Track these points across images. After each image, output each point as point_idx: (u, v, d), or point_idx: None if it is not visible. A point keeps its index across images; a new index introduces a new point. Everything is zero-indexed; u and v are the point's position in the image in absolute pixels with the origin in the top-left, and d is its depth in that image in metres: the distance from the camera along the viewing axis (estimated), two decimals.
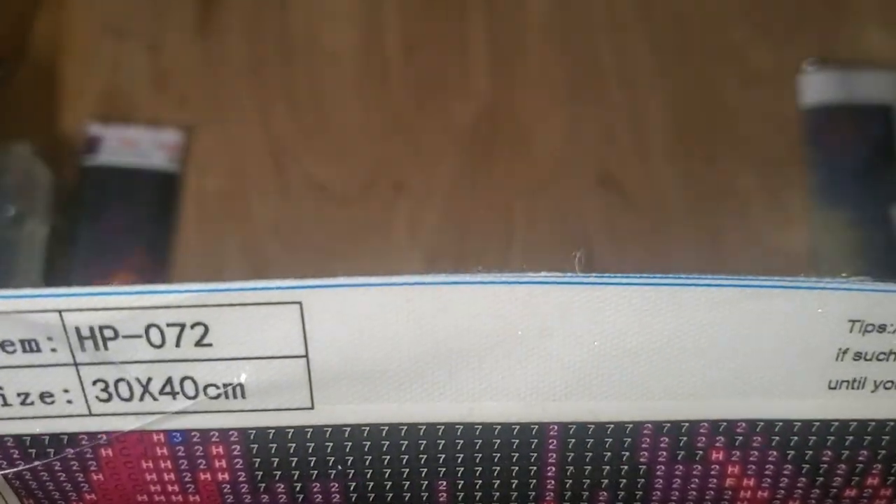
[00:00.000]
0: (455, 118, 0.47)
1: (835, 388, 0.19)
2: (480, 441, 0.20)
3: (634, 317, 0.18)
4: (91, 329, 0.18)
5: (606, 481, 0.20)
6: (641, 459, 0.20)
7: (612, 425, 0.19)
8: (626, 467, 0.20)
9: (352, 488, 0.20)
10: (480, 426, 0.19)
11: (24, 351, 0.18)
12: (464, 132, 0.47)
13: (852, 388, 0.19)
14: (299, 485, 0.20)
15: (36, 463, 0.20)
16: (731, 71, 0.47)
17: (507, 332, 0.18)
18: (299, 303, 0.18)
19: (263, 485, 0.20)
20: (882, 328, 0.18)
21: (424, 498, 0.21)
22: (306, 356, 0.18)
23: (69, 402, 0.19)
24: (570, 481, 0.20)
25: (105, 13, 0.49)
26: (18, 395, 0.19)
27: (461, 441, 0.20)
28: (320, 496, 0.21)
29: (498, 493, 0.21)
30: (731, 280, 0.18)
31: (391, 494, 0.20)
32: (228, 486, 0.20)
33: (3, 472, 0.20)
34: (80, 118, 0.47)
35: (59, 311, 0.18)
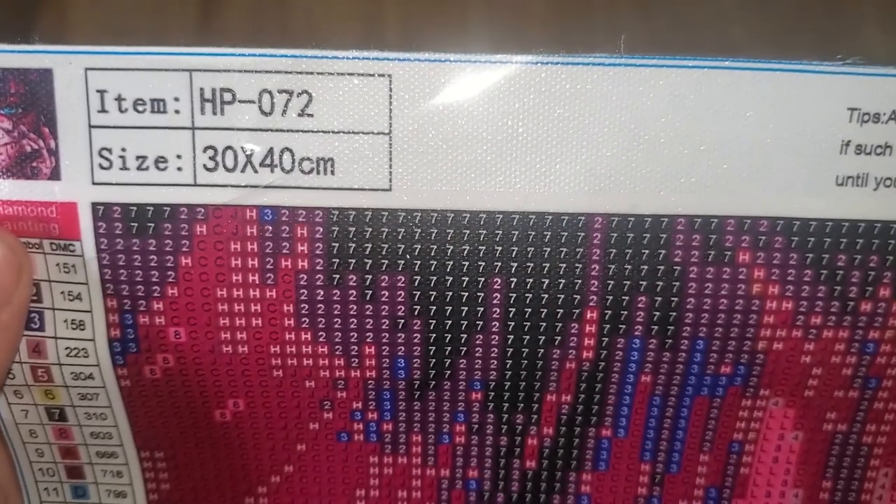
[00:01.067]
0: None
1: (842, 185, 0.22)
2: (533, 233, 0.22)
3: (666, 100, 0.22)
4: (213, 91, 0.21)
5: (645, 283, 0.22)
6: (676, 259, 0.22)
7: (649, 218, 0.22)
8: (662, 267, 0.22)
9: (416, 283, 0.22)
10: (534, 216, 0.22)
11: (153, 111, 0.21)
12: None
13: (856, 184, 0.22)
14: (370, 277, 0.22)
15: (134, 240, 0.22)
16: None
17: (561, 116, 0.22)
18: (389, 75, 0.21)
19: (337, 276, 0.22)
20: (877, 118, 0.22)
21: (480, 298, 0.23)
22: (389, 133, 0.21)
23: (179, 169, 0.21)
24: (612, 282, 0.23)
25: (106, 12, 0.52)
26: (137, 157, 0.21)
27: (516, 232, 0.22)
28: (386, 292, 0.22)
29: (546, 296, 0.23)
30: (742, 63, 0.21)
31: (450, 293, 0.22)
32: (305, 277, 0.22)
33: (105, 250, 0.22)
34: None
35: (190, 71, 0.21)
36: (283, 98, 0.21)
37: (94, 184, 0.21)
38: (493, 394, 0.24)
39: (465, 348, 0.23)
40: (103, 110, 0.21)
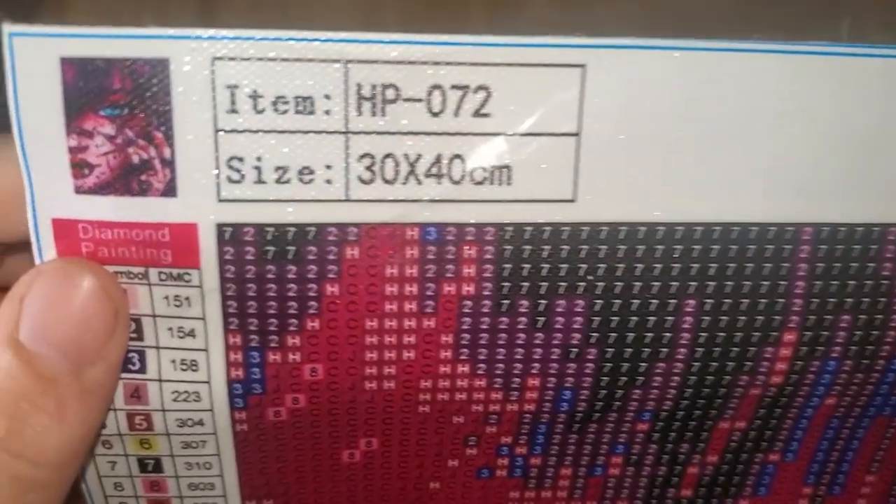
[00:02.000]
0: None
1: None
2: (735, 247, 0.19)
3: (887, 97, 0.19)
4: (373, 87, 0.17)
5: (850, 301, 0.20)
6: (884, 272, 0.20)
7: (860, 228, 0.19)
8: (870, 282, 0.20)
9: (597, 308, 0.19)
10: (737, 228, 0.19)
11: (297, 111, 0.17)
12: None
13: None
14: (544, 302, 0.19)
15: (269, 266, 0.18)
16: None
17: (771, 112, 0.18)
18: (583, 66, 0.18)
19: (507, 302, 0.19)
20: None
21: (668, 323, 0.20)
22: (578, 135, 0.18)
23: (328, 181, 0.17)
24: (816, 301, 0.20)
25: (105, 11, 0.49)
26: (276, 169, 0.17)
27: (716, 247, 0.19)
28: (561, 319, 0.19)
29: (743, 319, 0.20)
30: None
31: (635, 319, 0.19)
32: (469, 304, 0.19)
33: (232, 279, 0.18)
34: None
35: (346, 63, 0.17)
36: (456, 95, 0.17)
37: (220, 201, 0.17)
38: (661, 424, 0.21)
39: (641, 378, 0.20)
40: (233, 110, 0.17)
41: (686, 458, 0.22)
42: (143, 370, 0.19)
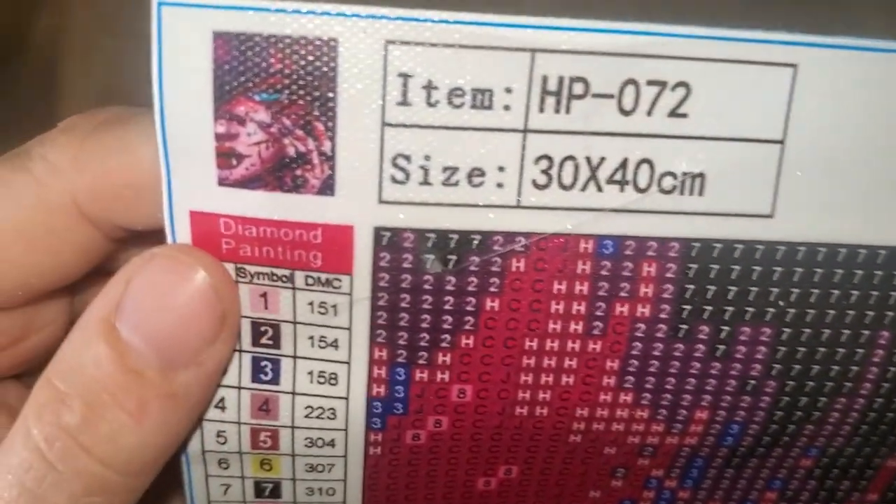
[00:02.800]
0: None
1: None
2: None
3: None
4: (560, 80, 0.15)
5: None
6: None
7: None
8: None
9: (784, 337, 0.17)
10: None
11: (473, 105, 0.15)
12: None
13: None
14: (727, 329, 0.17)
15: (427, 276, 0.16)
16: None
17: None
18: (794, 66, 0.15)
19: (685, 327, 0.17)
20: None
21: (858, 356, 0.17)
22: (783, 142, 0.16)
23: (499, 185, 0.15)
24: None
25: (105, 10, 0.47)
26: (445, 169, 0.15)
27: None
28: (743, 348, 0.17)
29: None
30: None
31: (823, 350, 0.17)
32: (643, 327, 0.17)
33: (385, 288, 0.16)
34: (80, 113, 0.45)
35: (533, 52, 0.15)
36: (652, 91, 0.15)
37: (381, 202, 0.15)
38: (826, 460, 0.19)
39: (818, 414, 0.18)
40: (405, 102, 0.15)
41: (844, 496, 0.20)
42: (275, 381, 0.17)
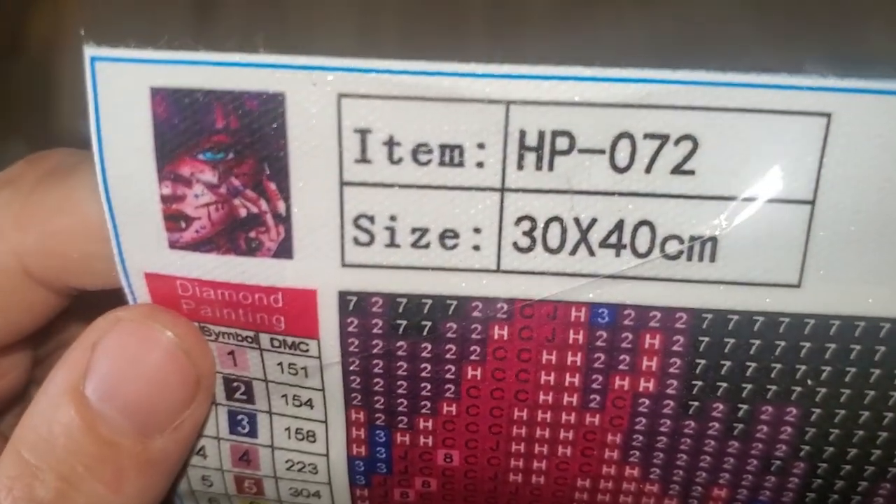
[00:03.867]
0: None
1: None
2: None
3: None
4: (541, 135, 0.13)
5: None
6: None
7: None
8: None
9: (814, 417, 0.15)
10: None
11: (442, 162, 0.13)
12: None
13: None
14: (745, 408, 0.15)
15: (400, 343, 0.15)
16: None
17: None
18: (827, 115, 0.13)
19: (696, 404, 0.15)
20: None
21: None
22: (813, 202, 0.13)
23: (475, 247, 0.14)
24: None
25: (100, 9, 0.47)
26: (413, 230, 0.14)
27: None
28: (766, 428, 0.15)
29: None
30: None
31: (861, 434, 0.15)
32: (647, 403, 0.15)
33: (356, 353, 0.15)
34: (76, 115, 0.44)
35: (508, 104, 0.13)
36: (651, 145, 0.13)
37: (344, 265, 0.14)
38: None
39: (858, 497, 0.16)
40: (364, 160, 0.13)
41: None
42: (253, 434, 0.16)
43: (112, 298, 0.15)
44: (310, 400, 0.16)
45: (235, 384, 0.16)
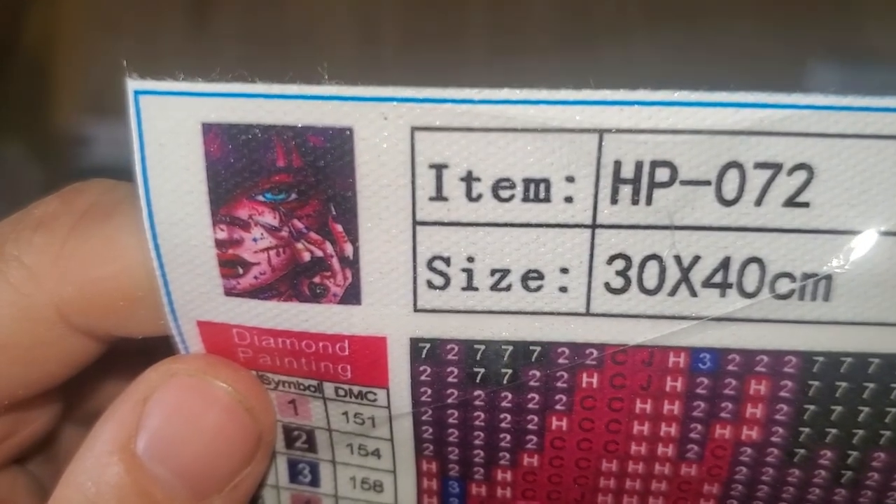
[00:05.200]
0: None
1: None
2: None
3: None
4: (638, 165, 0.12)
5: None
6: None
7: None
8: None
9: None
10: None
11: (526, 198, 0.12)
12: None
13: None
14: (856, 455, 0.14)
15: (478, 392, 0.13)
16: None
17: None
18: None
19: (803, 451, 0.14)
20: None
21: None
22: None
23: (562, 289, 0.13)
24: None
25: (97, 8, 0.45)
26: (493, 272, 0.12)
27: None
28: (878, 475, 0.14)
29: None
30: None
31: None
32: (750, 452, 0.14)
33: (428, 403, 0.14)
34: (72, 115, 0.43)
35: (601, 133, 0.12)
36: (762, 175, 0.12)
37: (417, 310, 0.13)
38: None
39: None
40: (440, 197, 0.12)
41: None
42: (315, 483, 0.15)
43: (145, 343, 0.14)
44: (377, 450, 0.14)
45: (296, 432, 0.15)
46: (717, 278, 0.12)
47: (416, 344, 0.13)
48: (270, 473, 0.15)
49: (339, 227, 0.12)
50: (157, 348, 0.14)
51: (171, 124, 0.12)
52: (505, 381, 0.13)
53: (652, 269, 0.12)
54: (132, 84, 0.12)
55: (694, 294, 0.12)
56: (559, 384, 0.13)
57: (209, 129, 0.12)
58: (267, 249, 0.12)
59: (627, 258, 0.12)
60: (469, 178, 0.12)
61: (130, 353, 0.15)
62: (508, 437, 0.14)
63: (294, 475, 0.15)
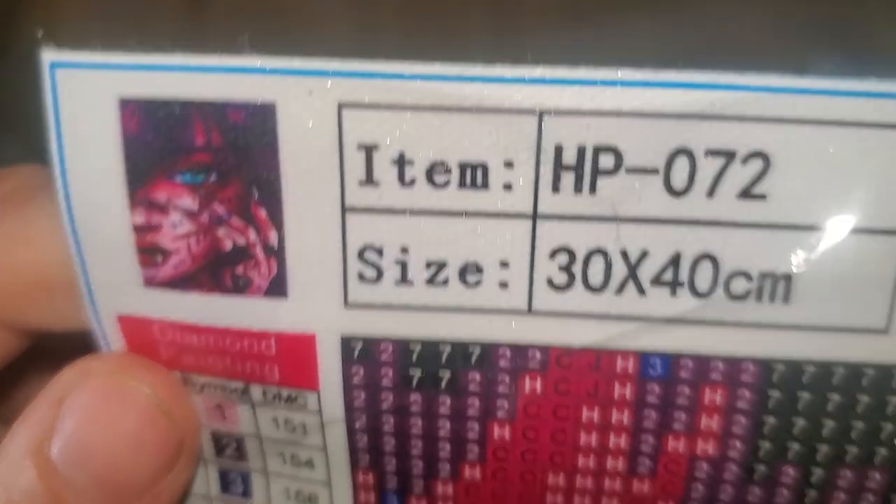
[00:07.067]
0: None
1: None
2: None
3: None
4: (581, 151, 0.11)
5: None
6: None
7: None
8: None
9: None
10: None
11: (462, 184, 0.11)
12: None
13: None
14: (820, 472, 0.13)
15: (414, 397, 0.13)
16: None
17: None
18: None
19: (762, 467, 0.13)
20: None
21: None
22: None
23: (502, 284, 0.12)
24: None
25: (93, 6, 0.45)
26: (429, 264, 0.12)
27: None
28: (844, 496, 0.13)
29: None
30: None
31: None
32: (706, 468, 0.13)
33: (362, 409, 0.13)
34: None
35: (541, 114, 0.11)
36: (714, 164, 0.11)
37: (348, 305, 0.12)
38: None
39: None
40: (370, 181, 0.11)
41: None
42: (247, 494, 0.14)
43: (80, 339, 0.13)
44: (310, 460, 0.14)
45: (226, 440, 0.14)
46: (667, 276, 0.11)
47: (347, 343, 0.12)
48: (202, 483, 0.14)
49: (263, 212, 0.11)
50: (88, 345, 0.13)
51: (87, 98, 0.11)
52: (443, 386, 0.12)
53: (597, 264, 0.11)
54: (47, 55, 0.11)
55: (642, 292, 0.12)
56: (501, 389, 0.12)
57: (126, 105, 0.11)
58: (186, 236, 0.12)
59: (571, 252, 0.11)
60: (401, 161, 0.11)
61: (59, 350, 0.14)
62: (448, 447, 0.13)
63: (226, 485, 0.14)
